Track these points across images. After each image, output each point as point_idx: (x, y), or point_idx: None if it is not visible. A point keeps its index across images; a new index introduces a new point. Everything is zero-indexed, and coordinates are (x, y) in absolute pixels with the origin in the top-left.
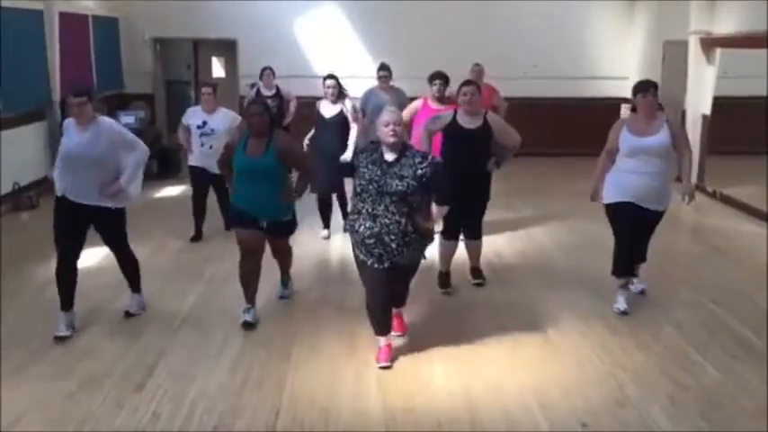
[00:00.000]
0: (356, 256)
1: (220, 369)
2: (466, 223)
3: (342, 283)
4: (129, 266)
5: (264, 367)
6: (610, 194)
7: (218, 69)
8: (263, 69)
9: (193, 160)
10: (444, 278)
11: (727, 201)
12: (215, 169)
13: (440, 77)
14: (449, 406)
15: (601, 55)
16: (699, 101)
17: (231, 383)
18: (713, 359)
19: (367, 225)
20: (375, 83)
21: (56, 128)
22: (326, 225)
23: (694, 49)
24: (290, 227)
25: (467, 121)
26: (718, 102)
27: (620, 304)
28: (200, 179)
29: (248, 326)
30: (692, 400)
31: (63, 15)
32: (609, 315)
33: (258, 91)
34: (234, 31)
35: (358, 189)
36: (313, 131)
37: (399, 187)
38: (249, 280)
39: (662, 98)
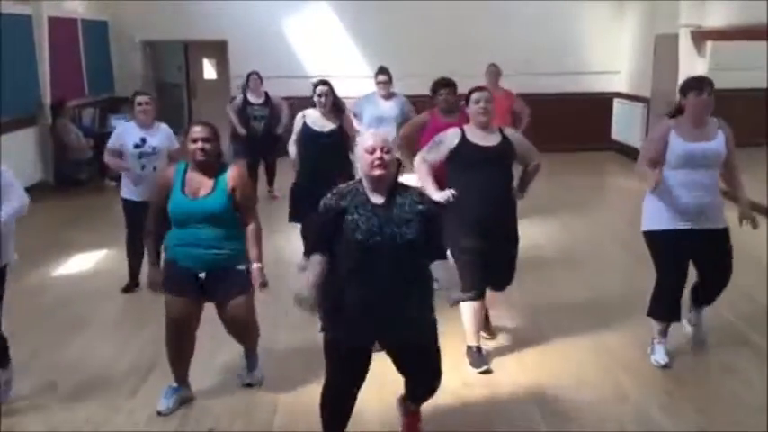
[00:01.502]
0: (330, 340)
1: (215, 370)
2: (495, 271)
3: None
4: None
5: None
6: (655, 219)
7: (209, 71)
8: (249, 75)
9: (129, 191)
10: (477, 355)
11: None
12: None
13: (446, 86)
14: (445, 404)
15: (592, 49)
16: None
17: (226, 384)
18: (711, 355)
19: (360, 293)
20: (367, 82)
21: (47, 133)
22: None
23: (685, 43)
24: (243, 281)
25: (481, 138)
26: None
27: (660, 356)
28: (137, 215)
29: (160, 414)
30: (690, 396)
31: (52, 19)
32: (606, 312)
33: (245, 98)
34: (224, 31)
35: (352, 246)
36: (294, 144)
37: (409, 236)
38: (178, 359)
39: (653, 92)
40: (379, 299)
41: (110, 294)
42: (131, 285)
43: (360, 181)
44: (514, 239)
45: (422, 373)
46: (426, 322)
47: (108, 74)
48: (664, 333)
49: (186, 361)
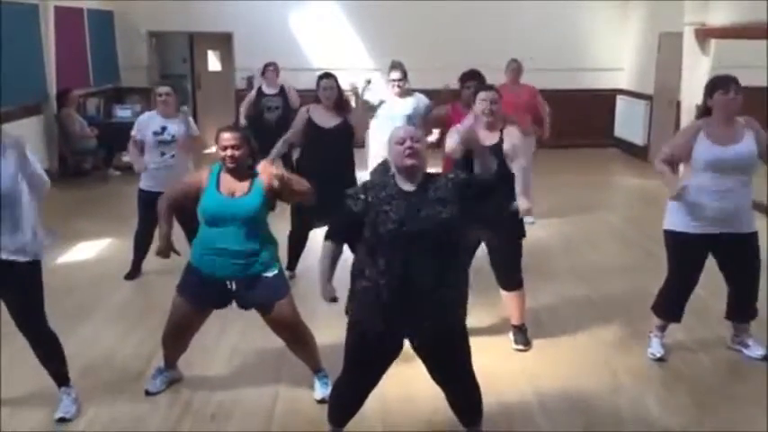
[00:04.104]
0: (363, 336)
1: (218, 358)
2: (497, 269)
3: (339, 273)
4: (45, 351)
5: (261, 356)
6: (678, 220)
7: (214, 62)
8: (266, 66)
9: (146, 182)
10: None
11: None
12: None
13: (473, 78)
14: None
15: (596, 46)
16: (693, 92)
17: (228, 372)
18: (706, 347)
19: (396, 286)
20: (372, 75)
21: (51, 122)
22: (293, 266)
23: (689, 41)
24: (279, 286)
25: (483, 137)
26: None
27: (656, 349)
28: (149, 206)
29: (148, 394)
30: (687, 389)
31: (58, 9)
32: (603, 305)
33: (260, 89)
34: (229, 23)
35: (385, 237)
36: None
37: (444, 215)
38: (172, 350)
39: (656, 89)
40: (414, 286)
41: (113, 283)
42: (134, 272)
43: (393, 175)
44: (516, 236)
45: (454, 370)
46: (459, 314)
47: (113, 64)
48: (662, 329)
49: (180, 353)
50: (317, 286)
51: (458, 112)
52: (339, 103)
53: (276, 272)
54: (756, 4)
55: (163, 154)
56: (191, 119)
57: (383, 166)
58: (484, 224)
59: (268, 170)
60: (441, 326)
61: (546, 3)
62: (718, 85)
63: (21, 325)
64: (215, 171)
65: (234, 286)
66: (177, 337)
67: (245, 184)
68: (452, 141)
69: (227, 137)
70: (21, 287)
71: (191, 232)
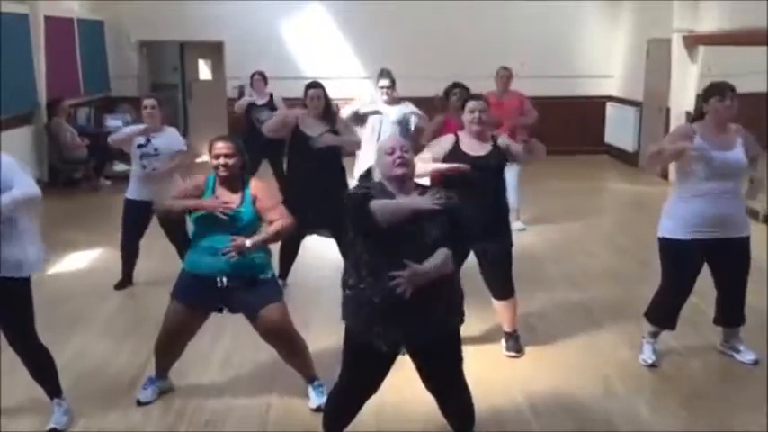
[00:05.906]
0: (358, 344)
1: (210, 367)
2: (489, 279)
3: (332, 281)
4: (35, 365)
5: (255, 365)
6: (675, 228)
7: (204, 71)
8: (253, 75)
9: (132, 191)
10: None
11: None
12: (156, 197)
13: (457, 87)
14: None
15: (585, 53)
16: (682, 98)
17: (222, 381)
18: (697, 352)
19: (383, 295)
20: (362, 84)
21: (42, 131)
22: (284, 274)
23: (677, 47)
24: (271, 290)
25: (473, 147)
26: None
27: (648, 355)
28: (136, 215)
29: (140, 404)
30: (677, 392)
31: (48, 19)
32: (594, 310)
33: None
34: (220, 32)
35: (374, 238)
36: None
37: (434, 233)
38: (164, 358)
39: (645, 95)
40: (413, 297)
41: (104, 293)
42: (124, 282)
43: (381, 183)
44: (506, 246)
45: (446, 377)
46: (450, 320)
47: (104, 73)
48: (655, 335)
49: (172, 361)
50: (310, 294)
51: (450, 121)
52: (327, 112)
53: (269, 276)
54: (744, 11)
55: (144, 167)
56: (176, 132)
57: (367, 174)
58: (468, 241)
59: (258, 185)
60: (432, 332)
61: (535, 10)
62: (715, 91)
63: (11, 341)
64: (210, 182)
65: (226, 284)
66: (171, 343)
67: (238, 197)
68: (425, 165)
69: (221, 146)
70: (11, 303)
71: (181, 249)
